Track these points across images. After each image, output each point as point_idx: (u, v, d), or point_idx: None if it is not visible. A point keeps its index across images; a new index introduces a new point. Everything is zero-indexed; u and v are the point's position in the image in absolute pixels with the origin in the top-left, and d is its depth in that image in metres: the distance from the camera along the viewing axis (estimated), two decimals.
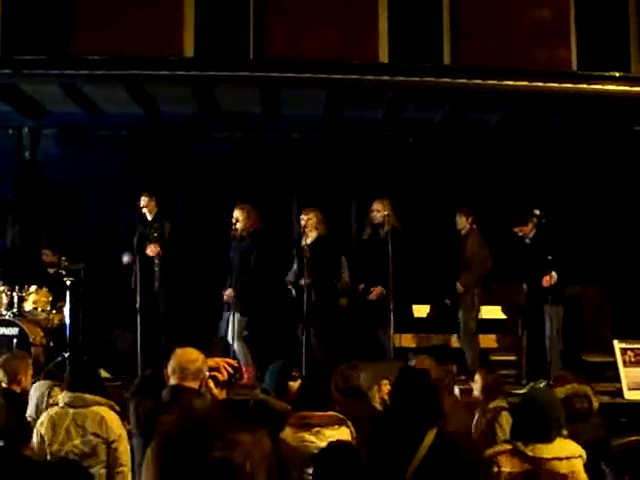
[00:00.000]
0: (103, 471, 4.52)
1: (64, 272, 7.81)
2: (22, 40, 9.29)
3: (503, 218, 8.31)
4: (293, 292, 7.98)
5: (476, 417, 5.41)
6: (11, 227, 9.19)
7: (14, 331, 7.31)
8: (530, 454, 3.85)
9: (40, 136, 9.39)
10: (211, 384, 4.09)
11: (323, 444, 4.12)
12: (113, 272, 8.42)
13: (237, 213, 7.87)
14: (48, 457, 4.37)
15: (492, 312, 8.43)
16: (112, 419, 4.66)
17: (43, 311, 7.68)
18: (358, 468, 3.44)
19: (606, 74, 8.23)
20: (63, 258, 7.87)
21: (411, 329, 8.37)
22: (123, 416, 4.77)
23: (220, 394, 4.15)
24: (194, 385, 4.04)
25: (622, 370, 7.18)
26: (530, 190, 8.86)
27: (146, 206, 7.97)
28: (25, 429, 4.24)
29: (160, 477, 1.41)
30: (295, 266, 8.06)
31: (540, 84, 7.97)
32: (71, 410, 4.62)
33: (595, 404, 5.22)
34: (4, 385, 4.97)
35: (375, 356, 7.59)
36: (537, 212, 7.95)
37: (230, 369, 4.21)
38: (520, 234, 7.96)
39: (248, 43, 9.74)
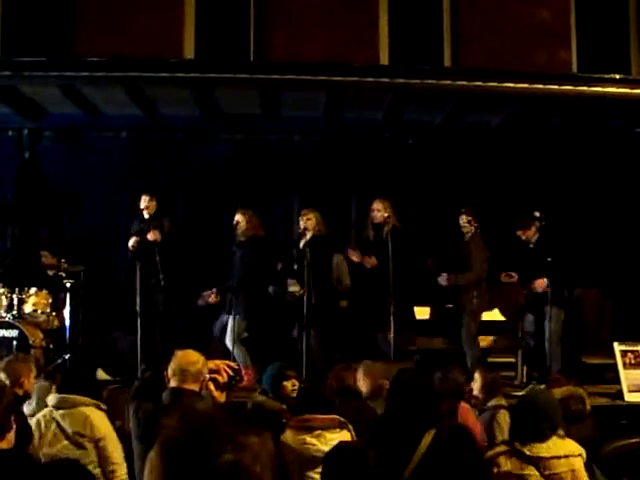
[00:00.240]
0: (97, 470, 4.55)
1: (64, 274, 7.82)
2: (22, 42, 9.30)
3: (504, 220, 8.31)
4: (294, 293, 7.99)
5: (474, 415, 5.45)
6: (11, 229, 9.18)
7: (14, 333, 7.29)
8: (528, 454, 3.87)
9: (40, 138, 9.39)
10: (211, 386, 4.08)
11: (324, 447, 4.13)
12: (113, 274, 8.41)
13: (238, 217, 7.89)
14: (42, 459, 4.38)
15: (491, 314, 8.42)
16: (98, 418, 4.69)
17: (43, 313, 7.67)
18: (368, 470, 3.43)
19: (606, 76, 8.23)
20: (63, 260, 7.88)
21: (412, 331, 8.35)
22: (112, 415, 4.80)
23: (220, 396, 4.14)
24: (194, 387, 4.04)
25: (622, 372, 7.18)
26: (531, 192, 8.86)
27: (147, 207, 7.96)
28: (27, 431, 4.24)
29: None
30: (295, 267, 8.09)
31: (540, 86, 7.97)
32: (57, 412, 4.67)
33: (588, 406, 5.30)
34: None
35: (376, 358, 7.58)
36: (537, 214, 7.96)
37: (230, 371, 4.20)
38: (523, 238, 7.94)
39: (249, 45, 9.75)
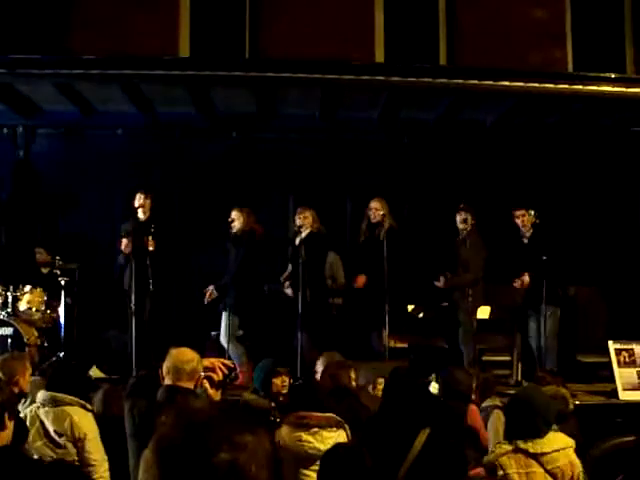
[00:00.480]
0: None
1: (59, 272, 7.79)
2: (17, 39, 9.26)
3: (499, 218, 8.32)
4: (288, 292, 8.00)
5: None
6: (5, 226, 9.16)
7: (8, 331, 7.27)
8: (532, 450, 3.88)
9: (35, 135, 9.37)
10: (206, 384, 4.08)
11: (321, 445, 4.13)
12: (108, 272, 8.39)
13: (234, 214, 7.87)
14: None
15: (485, 312, 8.43)
16: (81, 417, 4.69)
17: (37, 311, 7.65)
18: (365, 471, 3.43)
19: (602, 75, 8.24)
20: (58, 258, 7.86)
21: (406, 330, 8.36)
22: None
23: (215, 395, 4.14)
24: (189, 385, 4.03)
25: (617, 370, 7.19)
26: (526, 190, 8.87)
27: (142, 205, 7.93)
28: (22, 429, 4.23)
29: None
30: (289, 267, 8.09)
31: (536, 85, 7.98)
32: (42, 409, 4.67)
33: (571, 406, 5.35)
34: None
35: (370, 357, 7.60)
36: (532, 212, 7.98)
37: (225, 369, 4.20)
38: (519, 223, 7.96)
39: (244, 43, 9.73)
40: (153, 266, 7.63)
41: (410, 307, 8.50)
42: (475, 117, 9.24)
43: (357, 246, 8.33)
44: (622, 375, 7.16)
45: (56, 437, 4.61)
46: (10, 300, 7.51)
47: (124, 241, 7.72)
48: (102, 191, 9.11)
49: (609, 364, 7.26)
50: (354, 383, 5.60)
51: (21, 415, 4.64)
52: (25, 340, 7.23)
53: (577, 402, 6.61)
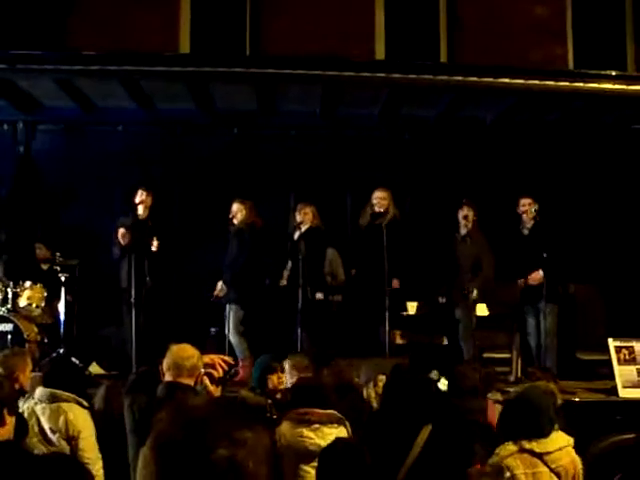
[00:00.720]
0: None
1: (59, 268, 7.79)
2: (17, 35, 9.25)
3: (500, 215, 8.31)
4: (284, 281, 8.02)
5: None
6: (5, 223, 9.15)
7: (8, 327, 7.27)
8: (537, 450, 3.87)
9: (35, 131, 9.36)
10: (206, 381, 4.08)
11: (321, 441, 4.13)
12: (108, 268, 8.39)
13: (236, 207, 7.87)
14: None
15: (484, 309, 8.43)
16: (76, 415, 4.67)
17: (38, 307, 7.64)
18: (364, 467, 3.43)
19: (602, 72, 8.23)
20: (58, 254, 7.85)
21: (406, 326, 8.35)
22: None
23: (215, 391, 4.15)
24: (189, 382, 4.03)
25: (616, 368, 7.18)
26: (526, 187, 8.85)
27: (142, 201, 7.93)
28: (23, 424, 4.23)
29: (159, 477, 1.40)
30: (289, 264, 8.09)
31: (537, 82, 7.97)
32: (39, 406, 4.66)
33: (559, 401, 5.34)
34: None
35: (370, 353, 7.59)
36: (536, 206, 7.99)
37: (225, 366, 4.20)
38: (523, 212, 7.95)
39: (244, 39, 9.73)
40: (151, 262, 7.63)
41: (410, 306, 8.50)
42: (476, 114, 9.23)
43: (358, 232, 8.32)
44: (622, 373, 7.15)
45: (51, 434, 4.61)
46: (10, 296, 7.50)
47: (121, 230, 7.70)
48: (102, 187, 9.09)
49: (609, 361, 7.26)
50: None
51: (20, 411, 4.65)
52: (25, 336, 7.22)
53: (577, 399, 6.66)
